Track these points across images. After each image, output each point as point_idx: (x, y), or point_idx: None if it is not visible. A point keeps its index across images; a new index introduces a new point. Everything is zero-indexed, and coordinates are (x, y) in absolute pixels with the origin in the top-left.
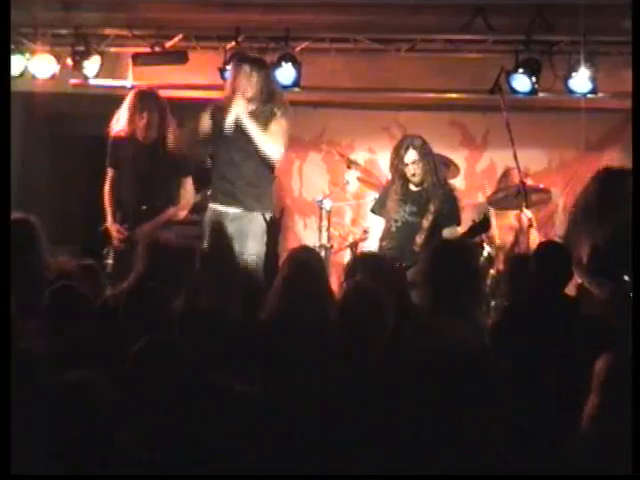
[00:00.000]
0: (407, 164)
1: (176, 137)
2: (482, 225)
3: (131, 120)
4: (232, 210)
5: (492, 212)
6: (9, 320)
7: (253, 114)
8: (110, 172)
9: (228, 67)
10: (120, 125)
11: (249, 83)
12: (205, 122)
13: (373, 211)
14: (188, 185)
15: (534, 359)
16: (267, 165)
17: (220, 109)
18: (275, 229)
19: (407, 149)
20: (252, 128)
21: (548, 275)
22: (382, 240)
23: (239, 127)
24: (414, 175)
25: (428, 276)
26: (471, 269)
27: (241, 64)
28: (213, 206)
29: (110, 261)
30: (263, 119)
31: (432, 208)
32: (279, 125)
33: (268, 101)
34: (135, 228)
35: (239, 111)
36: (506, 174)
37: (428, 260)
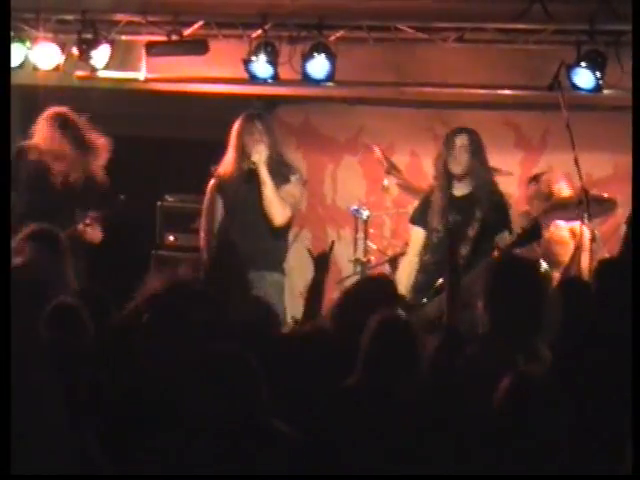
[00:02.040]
0: (453, 147)
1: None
2: (532, 233)
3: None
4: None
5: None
6: (9, 318)
7: (270, 169)
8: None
9: (253, 58)
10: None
11: (261, 142)
12: (215, 205)
13: (412, 221)
14: None
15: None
16: (269, 225)
17: (226, 175)
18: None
19: (457, 134)
20: (267, 180)
21: (612, 300)
22: (423, 254)
23: (252, 179)
24: (459, 164)
25: (484, 296)
26: (534, 289)
27: (251, 122)
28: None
29: None
30: (277, 179)
31: (478, 214)
32: (292, 192)
33: (281, 164)
34: None
35: (257, 159)
36: (536, 180)
37: (483, 277)
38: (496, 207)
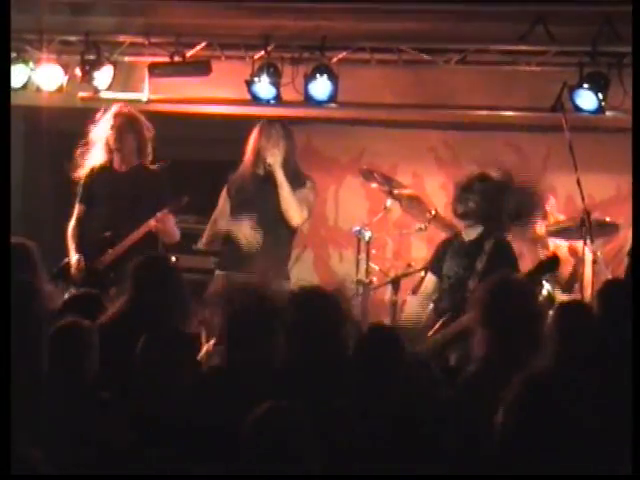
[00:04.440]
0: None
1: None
2: (551, 264)
3: (108, 148)
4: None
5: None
6: (9, 323)
7: (286, 172)
8: (78, 208)
9: (256, 79)
10: (95, 155)
11: (277, 146)
12: (222, 205)
13: (431, 270)
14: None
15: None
16: (286, 229)
17: (239, 177)
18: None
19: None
20: (283, 181)
21: (613, 322)
22: (437, 301)
23: (266, 181)
24: (473, 212)
25: (481, 321)
26: (532, 312)
27: (270, 126)
28: (222, 273)
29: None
30: (292, 183)
31: (486, 248)
32: (307, 195)
33: (296, 170)
34: (97, 257)
35: (273, 162)
36: None
37: (481, 302)
38: (502, 247)
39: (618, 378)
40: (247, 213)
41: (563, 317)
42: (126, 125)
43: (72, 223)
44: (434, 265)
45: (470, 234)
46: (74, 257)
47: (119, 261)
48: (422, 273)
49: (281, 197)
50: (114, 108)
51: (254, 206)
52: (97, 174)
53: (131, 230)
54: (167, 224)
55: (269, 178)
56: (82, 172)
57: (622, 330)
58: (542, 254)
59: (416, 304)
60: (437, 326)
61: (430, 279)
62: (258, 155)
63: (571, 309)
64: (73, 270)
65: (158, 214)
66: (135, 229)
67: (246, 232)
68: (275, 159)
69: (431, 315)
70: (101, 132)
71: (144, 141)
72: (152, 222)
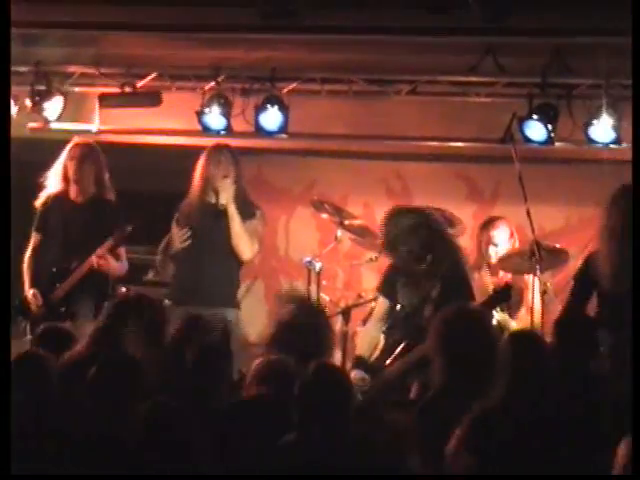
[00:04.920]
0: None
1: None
2: (503, 294)
3: (65, 177)
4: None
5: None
6: (9, 322)
7: (237, 203)
8: (34, 237)
9: (206, 110)
10: (52, 184)
11: (228, 174)
12: (176, 234)
13: (380, 291)
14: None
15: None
16: (235, 261)
17: (189, 208)
18: None
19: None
20: (235, 215)
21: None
22: (389, 328)
23: (217, 212)
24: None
25: (438, 350)
26: (487, 342)
27: (218, 153)
28: (172, 305)
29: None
30: (242, 214)
31: (439, 273)
32: (257, 227)
33: (246, 199)
34: (49, 292)
35: (228, 198)
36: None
37: (438, 332)
38: (456, 272)
39: (572, 408)
40: (196, 242)
41: (516, 346)
42: (85, 155)
43: (28, 253)
44: (385, 289)
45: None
46: (30, 291)
47: (70, 295)
48: (372, 304)
49: (232, 231)
50: (74, 139)
51: (203, 235)
52: (52, 203)
53: (81, 263)
54: (108, 259)
55: (220, 209)
56: (39, 201)
57: (578, 361)
58: (492, 282)
59: (368, 330)
60: (393, 356)
61: (381, 303)
62: (207, 182)
63: (524, 338)
64: (32, 305)
65: (98, 250)
66: (84, 262)
67: None
68: (227, 192)
69: (384, 345)
70: (59, 161)
71: (102, 171)
72: (93, 258)
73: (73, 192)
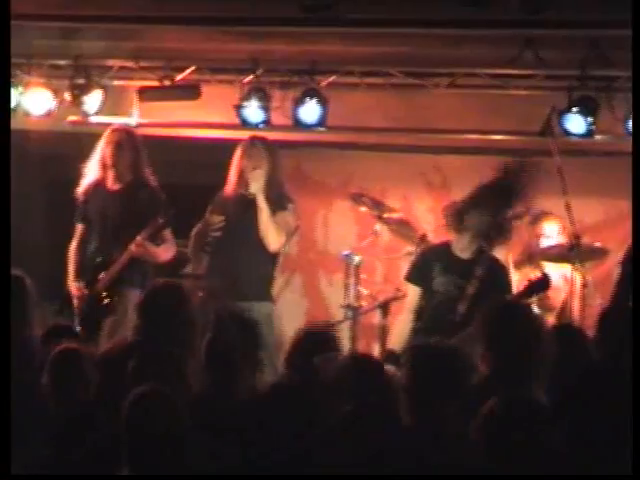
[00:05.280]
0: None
1: (152, 177)
2: (541, 283)
3: (103, 164)
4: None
5: (543, 266)
6: (8, 323)
7: (267, 196)
8: (78, 228)
9: (245, 104)
10: (91, 171)
11: (260, 167)
12: (213, 220)
13: (409, 279)
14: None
15: None
16: (266, 252)
17: (223, 198)
18: None
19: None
20: (264, 206)
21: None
22: (418, 318)
23: (249, 203)
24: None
25: (484, 342)
26: (531, 335)
27: (252, 146)
28: (206, 298)
29: (76, 321)
30: (273, 206)
31: (478, 272)
32: (287, 219)
33: (279, 191)
34: (92, 283)
35: (256, 186)
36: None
37: (483, 324)
38: (495, 269)
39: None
40: (229, 233)
41: (557, 340)
42: (122, 140)
43: (73, 244)
44: (414, 275)
45: (463, 250)
46: (74, 285)
47: (113, 285)
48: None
49: (260, 222)
50: (112, 126)
51: (235, 226)
52: (92, 191)
53: (122, 252)
54: (147, 246)
55: (252, 200)
56: (79, 190)
57: (619, 357)
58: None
59: (400, 323)
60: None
61: (412, 293)
62: (240, 174)
63: (565, 332)
64: (75, 301)
65: (137, 238)
66: (125, 251)
67: None
68: (257, 182)
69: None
70: (97, 148)
71: (140, 157)
72: (132, 247)
73: (110, 178)
